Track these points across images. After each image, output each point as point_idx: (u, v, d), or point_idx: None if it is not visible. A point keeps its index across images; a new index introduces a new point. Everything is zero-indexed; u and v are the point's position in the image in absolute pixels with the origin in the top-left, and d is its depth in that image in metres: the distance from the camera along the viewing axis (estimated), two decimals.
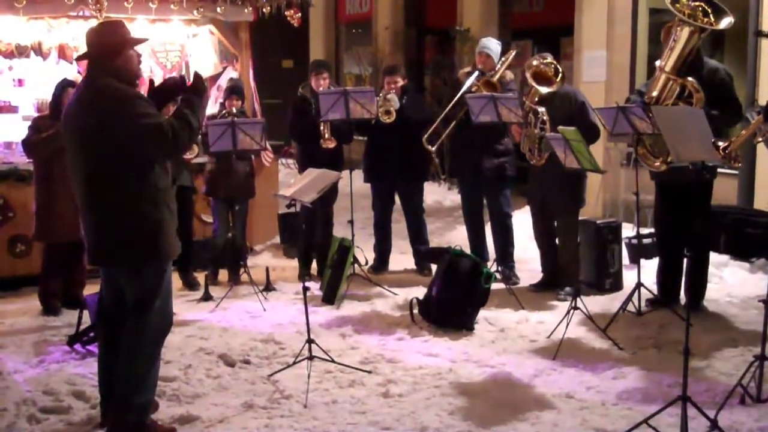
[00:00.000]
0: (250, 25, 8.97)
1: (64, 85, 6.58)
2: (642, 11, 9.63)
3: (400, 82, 7.52)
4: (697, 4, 5.79)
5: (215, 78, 9.44)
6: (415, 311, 6.20)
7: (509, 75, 7.36)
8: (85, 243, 4.30)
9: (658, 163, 6.02)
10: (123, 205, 4.09)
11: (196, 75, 4.49)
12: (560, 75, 6.61)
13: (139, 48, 4.38)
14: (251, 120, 7.35)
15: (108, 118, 4.02)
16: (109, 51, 4.19)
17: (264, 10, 8.44)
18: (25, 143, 6.53)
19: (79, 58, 4.43)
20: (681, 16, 5.74)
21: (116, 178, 4.07)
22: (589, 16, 9.98)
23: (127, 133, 4.02)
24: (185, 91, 4.35)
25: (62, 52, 8.48)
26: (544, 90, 6.54)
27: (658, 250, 6.59)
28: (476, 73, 7.18)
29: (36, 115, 7.80)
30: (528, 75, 6.62)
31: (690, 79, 5.81)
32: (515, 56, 7.40)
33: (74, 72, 8.62)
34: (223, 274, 7.53)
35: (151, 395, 4.33)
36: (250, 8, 8.53)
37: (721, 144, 5.64)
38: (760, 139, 5.45)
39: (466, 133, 7.11)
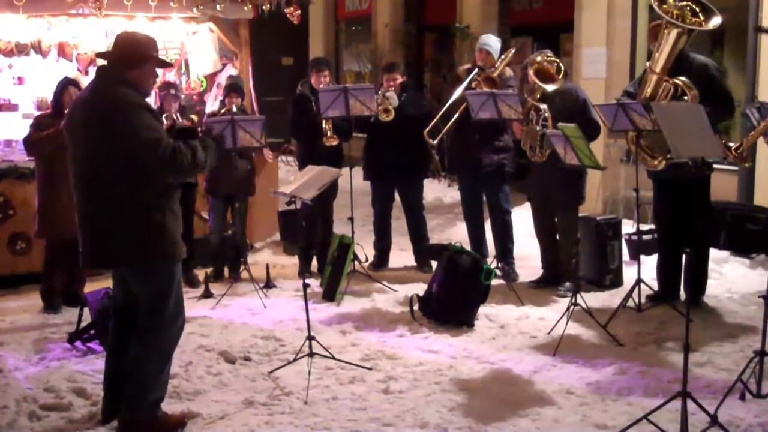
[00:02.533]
0: (249, 23, 8.97)
1: (65, 83, 6.58)
2: (642, 8, 9.62)
3: (399, 80, 7.52)
4: (684, 3, 5.78)
5: (215, 75, 9.45)
6: (416, 308, 6.21)
7: (509, 72, 7.36)
8: (80, 245, 4.27)
9: (656, 162, 6.02)
10: (124, 208, 4.08)
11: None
12: (562, 72, 6.61)
13: None
14: (251, 117, 7.35)
15: (113, 123, 4.02)
16: (132, 60, 4.19)
17: (264, 7, 8.45)
18: (26, 141, 6.53)
19: (99, 55, 4.46)
20: (668, 18, 5.74)
21: (118, 182, 4.06)
22: (589, 12, 9.98)
23: (129, 141, 4.01)
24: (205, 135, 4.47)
25: (62, 50, 8.50)
26: (550, 88, 6.54)
27: (658, 246, 6.59)
28: (476, 70, 7.19)
29: (37, 113, 7.80)
30: (530, 72, 6.61)
31: (682, 78, 5.80)
32: (515, 53, 7.40)
33: (74, 70, 8.64)
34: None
35: (162, 391, 4.35)
36: (250, 6, 8.53)
37: (732, 145, 5.66)
38: None
39: (466, 130, 7.10)
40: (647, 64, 6.04)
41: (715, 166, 6.27)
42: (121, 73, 4.17)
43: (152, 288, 4.20)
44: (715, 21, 5.76)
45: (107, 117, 4.04)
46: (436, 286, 6.20)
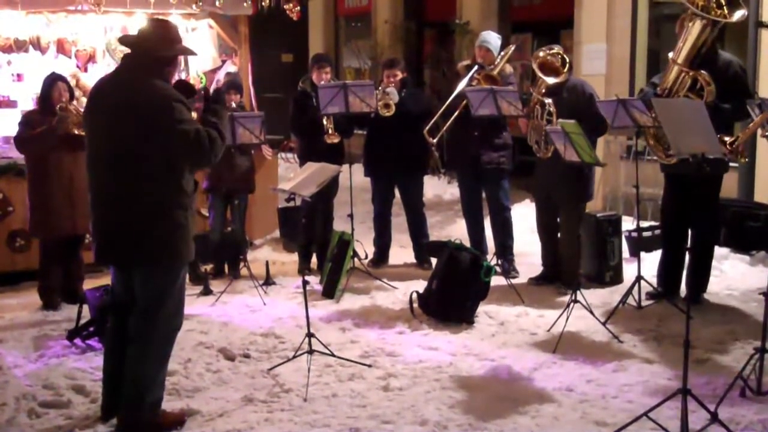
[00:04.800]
0: (249, 19, 8.96)
1: (53, 78, 6.50)
2: (642, 4, 9.61)
3: (399, 76, 7.50)
4: None
5: (214, 72, 9.44)
6: (415, 305, 6.20)
7: (508, 68, 7.34)
8: (96, 241, 4.24)
9: (668, 156, 6.00)
10: (155, 207, 4.08)
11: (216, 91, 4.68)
12: (567, 66, 6.57)
13: None
14: (250, 114, 7.33)
15: (150, 119, 3.99)
16: (167, 54, 4.18)
17: (263, 3, 8.43)
18: (19, 140, 6.42)
19: (124, 42, 4.35)
20: (693, 9, 5.70)
21: (151, 179, 4.04)
22: (589, 8, 9.96)
23: (165, 136, 3.99)
24: (207, 100, 4.44)
25: (61, 47, 8.49)
26: (550, 81, 6.51)
27: (662, 242, 6.57)
28: (476, 67, 7.16)
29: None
30: (534, 66, 6.58)
31: (702, 72, 5.78)
32: (514, 50, 7.37)
33: (73, 66, 8.62)
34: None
35: (161, 391, 4.34)
36: (249, 2, 8.52)
37: (727, 139, 5.64)
38: (767, 134, 5.44)
39: (465, 127, 7.09)
40: (670, 54, 6.01)
41: None
42: (159, 66, 4.14)
43: (155, 288, 4.19)
44: (740, 13, 5.71)
45: (150, 114, 3.99)
46: (436, 283, 6.19)
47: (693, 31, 5.77)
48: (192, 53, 4.57)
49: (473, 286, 6.06)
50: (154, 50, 4.15)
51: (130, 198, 4.08)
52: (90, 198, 4.24)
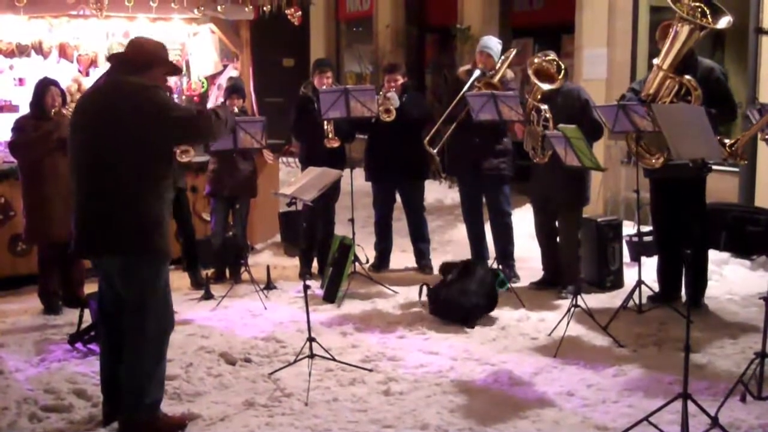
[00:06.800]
0: (250, 24, 8.98)
1: (46, 83, 6.50)
2: (642, 9, 9.62)
3: (400, 81, 7.51)
4: (696, 4, 5.80)
5: (216, 77, 9.45)
6: (424, 298, 6.23)
7: (509, 74, 7.34)
8: (74, 233, 4.28)
9: (654, 161, 6.04)
10: (129, 196, 4.11)
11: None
12: (562, 72, 6.60)
13: None
14: (252, 118, 7.35)
15: (135, 102, 4.07)
16: (139, 64, 4.25)
17: (264, 8, 8.44)
18: (14, 145, 6.43)
19: (108, 58, 4.54)
20: (682, 14, 5.75)
21: (128, 168, 4.08)
22: (590, 13, 9.97)
23: (159, 120, 4.08)
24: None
25: (63, 51, 8.50)
26: (545, 87, 6.54)
27: (656, 247, 6.59)
28: (477, 73, 7.14)
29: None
30: (530, 72, 6.61)
31: (687, 76, 5.82)
32: (515, 55, 7.38)
33: (75, 71, 8.64)
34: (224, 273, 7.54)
35: (160, 393, 4.35)
36: (251, 7, 8.54)
37: (727, 141, 5.68)
38: (767, 137, 5.47)
39: (466, 133, 7.09)
40: (655, 61, 6.05)
41: (716, 167, 6.28)
42: (132, 69, 4.22)
43: (138, 283, 4.20)
44: (726, 20, 5.76)
45: (127, 96, 4.09)
46: (451, 276, 6.25)
47: (681, 36, 5.82)
48: (177, 71, 4.67)
49: (484, 290, 6.12)
50: (127, 62, 4.29)
51: (104, 189, 4.12)
52: (74, 199, 4.30)
